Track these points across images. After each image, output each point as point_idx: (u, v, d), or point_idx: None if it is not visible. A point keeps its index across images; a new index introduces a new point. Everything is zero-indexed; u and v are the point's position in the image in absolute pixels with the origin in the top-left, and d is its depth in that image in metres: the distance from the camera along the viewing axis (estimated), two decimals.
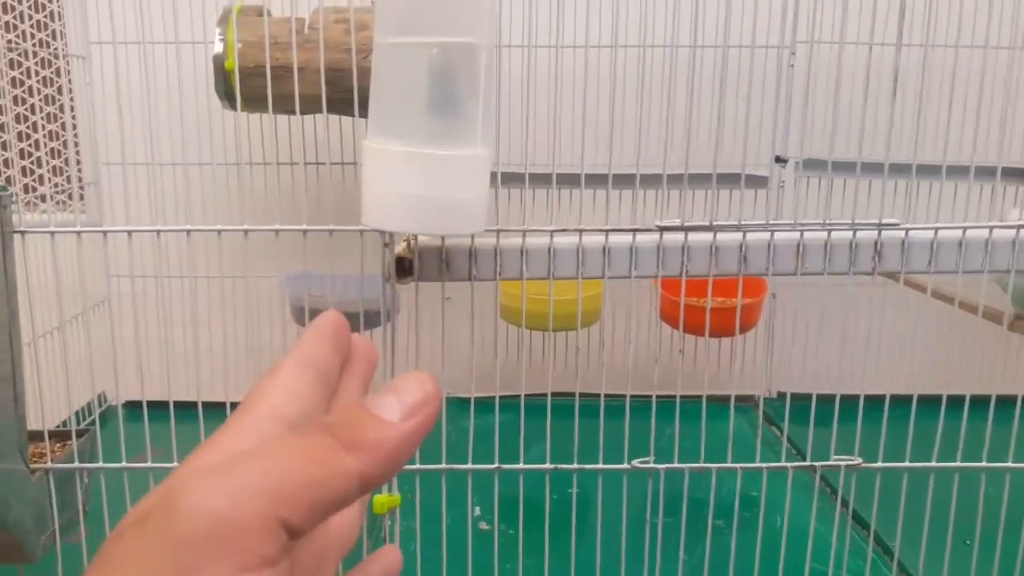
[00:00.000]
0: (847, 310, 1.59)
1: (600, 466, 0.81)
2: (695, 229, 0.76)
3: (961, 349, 1.49)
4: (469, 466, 0.80)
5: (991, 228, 0.76)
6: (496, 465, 0.80)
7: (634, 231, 0.76)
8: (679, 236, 0.77)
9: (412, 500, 1.17)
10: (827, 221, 0.75)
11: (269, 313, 1.47)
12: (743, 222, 0.75)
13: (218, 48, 1.27)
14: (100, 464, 0.95)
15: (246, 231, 0.76)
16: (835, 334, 1.63)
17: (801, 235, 0.76)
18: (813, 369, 1.63)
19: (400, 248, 0.74)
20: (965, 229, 0.76)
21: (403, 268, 0.74)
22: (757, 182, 1.54)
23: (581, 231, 0.75)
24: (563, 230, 0.75)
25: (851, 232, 0.76)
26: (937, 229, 0.76)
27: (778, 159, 1.52)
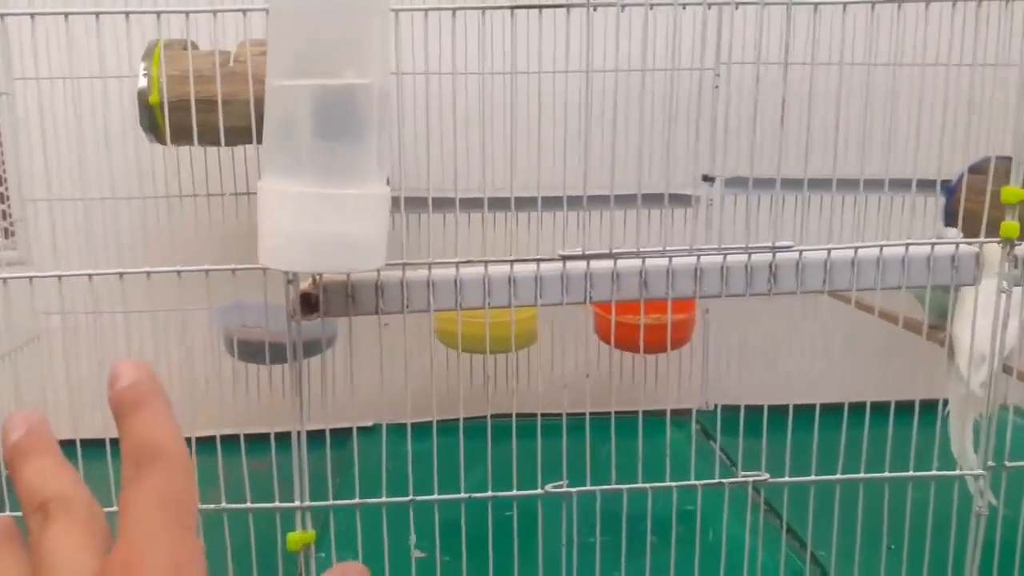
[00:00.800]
0: (777, 322, 1.62)
1: (514, 493, 0.82)
2: (596, 257, 0.78)
3: (888, 359, 1.53)
4: (383, 499, 0.81)
5: (881, 247, 0.80)
6: (411, 497, 0.81)
7: (538, 261, 0.78)
8: (601, 264, 0.79)
9: (346, 533, 1.17)
10: (721, 246, 0.78)
11: (204, 346, 1.46)
12: (641, 249, 0.78)
13: (142, 83, 1.27)
14: None
15: (148, 273, 0.76)
16: (767, 346, 1.68)
17: (698, 259, 0.78)
18: (747, 381, 1.66)
19: (305, 284, 0.75)
20: (857, 249, 0.79)
21: (309, 304, 0.75)
22: (684, 201, 1.57)
23: (487, 262, 0.77)
24: (468, 261, 0.76)
25: (746, 255, 0.79)
26: (830, 250, 0.79)
27: (705, 178, 1.56)
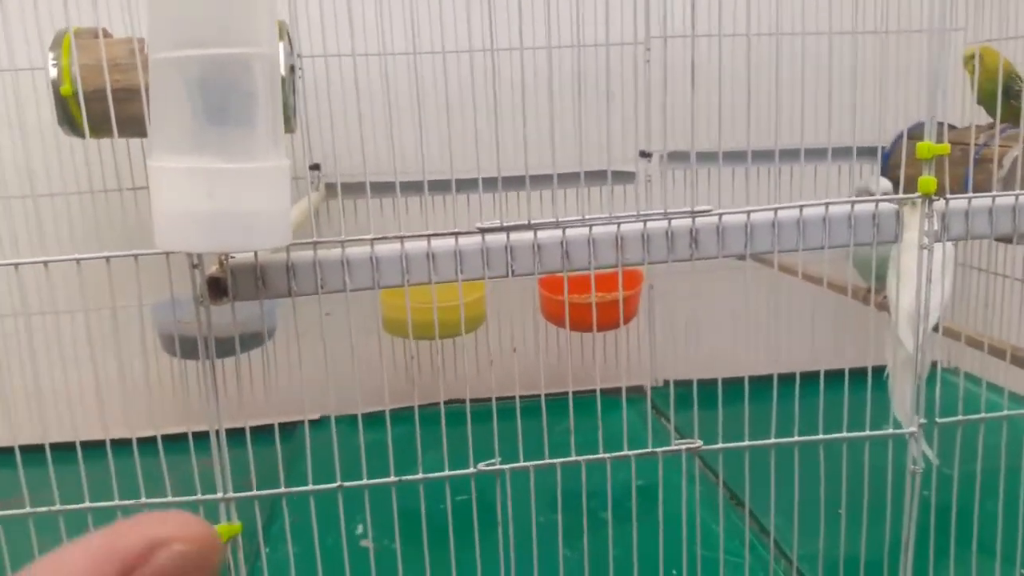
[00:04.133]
0: (722, 295, 1.62)
1: (446, 473, 0.81)
2: (515, 228, 0.76)
3: (836, 326, 1.54)
4: (309, 488, 0.79)
5: (800, 207, 0.79)
6: (338, 483, 0.79)
7: (456, 234, 0.76)
8: (521, 236, 0.77)
9: (297, 525, 1.15)
10: (640, 213, 0.77)
11: (139, 344, 1.42)
12: (559, 219, 0.76)
13: (53, 73, 1.22)
14: None
15: (45, 263, 0.73)
16: (713, 320, 1.68)
17: (618, 228, 0.77)
18: (696, 354, 1.66)
19: (212, 268, 0.72)
20: (776, 210, 0.79)
21: (218, 288, 0.72)
22: (625, 178, 1.56)
23: (402, 238, 0.75)
24: (383, 238, 0.74)
25: (666, 221, 0.77)
26: (749, 212, 0.78)
27: (643, 153, 1.55)
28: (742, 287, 1.47)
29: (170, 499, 0.77)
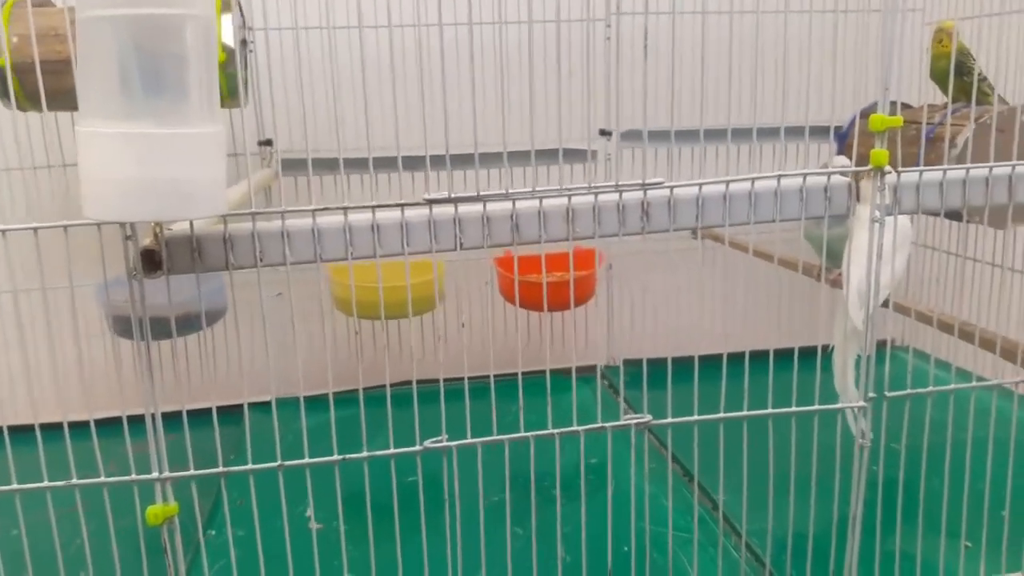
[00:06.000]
0: (679, 275, 1.62)
1: (391, 451, 0.79)
2: (463, 200, 0.74)
3: (790, 303, 1.55)
4: (248, 467, 0.76)
5: (752, 180, 0.78)
6: (279, 463, 0.77)
7: (402, 206, 0.74)
8: (470, 209, 0.75)
9: (242, 508, 1.13)
10: (592, 185, 0.75)
11: (92, 324, 1.38)
12: (509, 191, 0.74)
13: None
14: None
15: None
16: (670, 299, 1.68)
17: (569, 200, 0.76)
18: (653, 334, 1.66)
19: (147, 240, 0.69)
20: (728, 183, 0.78)
21: (152, 261, 0.69)
22: (583, 156, 1.55)
23: (346, 209, 0.73)
24: (325, 209, 0.72)
25: (617, 194, 0.76)
26: (701, 185, 0.77)
27: (602, 132, 1.54)
28: (700, 266, 1.47)
29: (103, 479, 0.75)
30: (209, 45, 0.60)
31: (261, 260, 0.71)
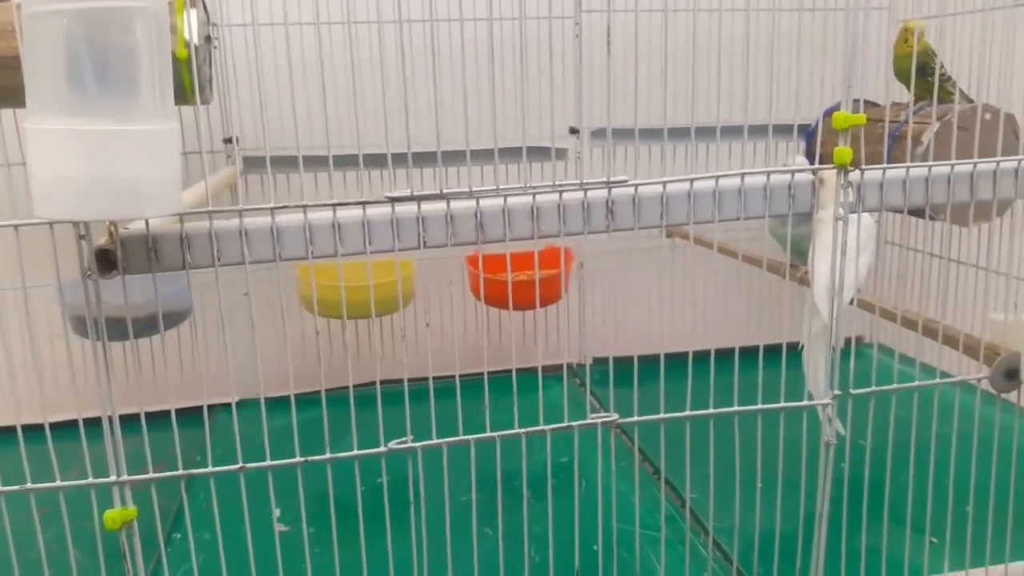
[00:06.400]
0: (647, 273, 1.62)
1: (355, 453, 0.78)
2: (426, 198, 0.74)
3: (759, 301, 1.56)
4: (209, 469, 0.75)
5: (716, 178, 0.78)
6: (239, 465, 0.75)
7: (363, 204, 0.73)
8: (434, 207, 0.74)
9: (207, 511, 1.11)
10: (556, 183, 0.75)
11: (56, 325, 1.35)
12: (473, 189, 0.74)
13: None
14: None
15: None
16: (639, 297, 1.68)
17: (533, 198, 0.75)
18: (623, 332, 1.66)
19: (102, 239, 0.68)
20: (692, 181, 0.78)
21: (108, 261, 0.68)
22: (557, 154, 1.54)
23: (305, 207, 0.72)
24: (284, 207, 0.71)
25: (582, 192, 0.76)
26: (666, 183, 0.77)
27: (572, 130, 1.53)
28: (670, 265, 1.47)
29: (59, 484, 0.73)
30: (161, 40, 0.58)
31: (219, 260, 0.70)
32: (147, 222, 0.67)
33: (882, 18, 1.58)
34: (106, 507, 0.73)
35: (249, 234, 0.70)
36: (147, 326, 1.19)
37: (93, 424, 0.72)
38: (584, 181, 0.75)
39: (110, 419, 0.71)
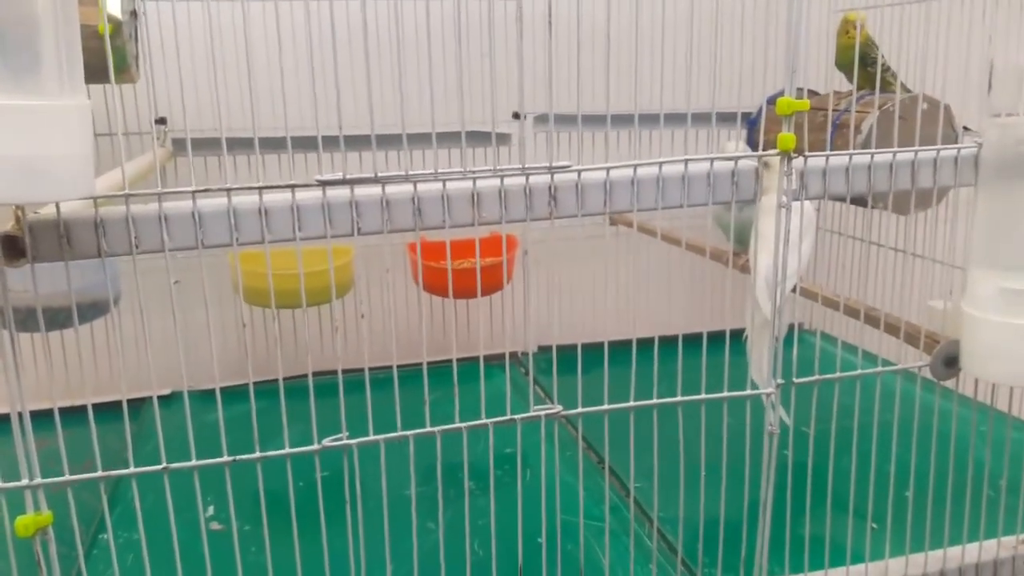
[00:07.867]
0: (592, 261, 1.61)
1: (287, 451, 0.75)
2: (359, 182, 0.70)
3: (702, 289, 1.56)
4: (132, 470, 0.71)
5: (660, 164, 0.76)
6: (163, 466, 0.71)
7: (292, 187, 0.69)
8: (368, 191, 0.71)
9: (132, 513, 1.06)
10: (497, 168, 0.72)
11: None
12: (409, 172, 0.71)
13: None
14: None
15: None
16: (584, 285, 1.67)
17: (474, 183, 0.72)
18: (568, 320, 1.65)
19: (8, 225, 0.63)
20: (636, 167, 0.76)
21: (15, 248, 0.63)
22: (500, 139, 1.52)
23: (229, 190, 0.68)
24: (206, 190, 0.67)
25: (524, 177, 0.73)
26: (609, 169, 0.75)
27: (515, 115, 1.51)
28: (614, 253, 1.46)
29: None
30: (68, 8, 0.54)
31: (137, 247, 0.66)
32: (58, 206, 0.63)
33: (823, 6, 1.59)
34: (18, 512, 0.68)
35: (169, 219, 0.66)
36: (71, 316, 1.13)
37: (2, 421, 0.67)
38: (526, 166, 0.73)
39: (20, 416, 0.67)
